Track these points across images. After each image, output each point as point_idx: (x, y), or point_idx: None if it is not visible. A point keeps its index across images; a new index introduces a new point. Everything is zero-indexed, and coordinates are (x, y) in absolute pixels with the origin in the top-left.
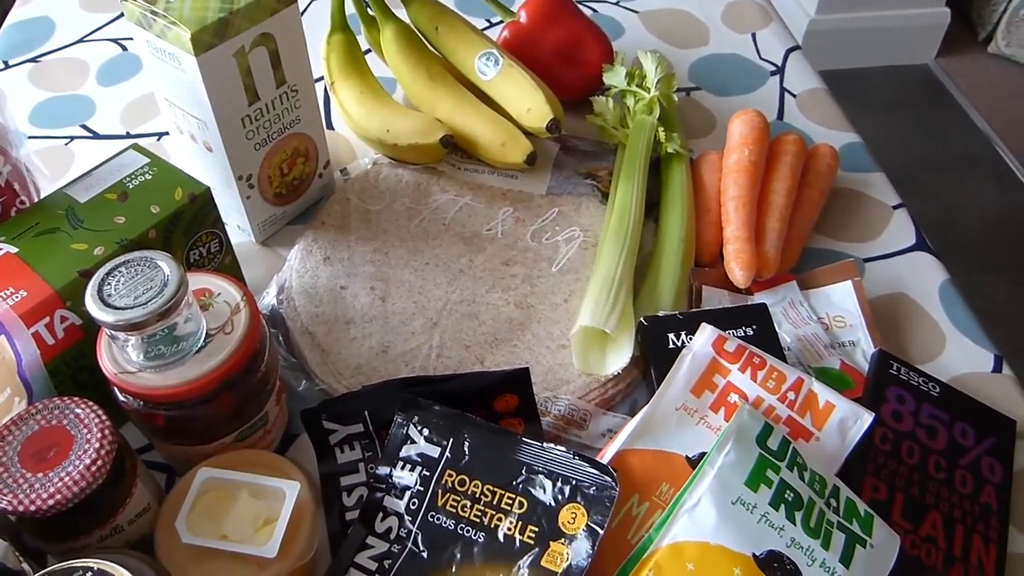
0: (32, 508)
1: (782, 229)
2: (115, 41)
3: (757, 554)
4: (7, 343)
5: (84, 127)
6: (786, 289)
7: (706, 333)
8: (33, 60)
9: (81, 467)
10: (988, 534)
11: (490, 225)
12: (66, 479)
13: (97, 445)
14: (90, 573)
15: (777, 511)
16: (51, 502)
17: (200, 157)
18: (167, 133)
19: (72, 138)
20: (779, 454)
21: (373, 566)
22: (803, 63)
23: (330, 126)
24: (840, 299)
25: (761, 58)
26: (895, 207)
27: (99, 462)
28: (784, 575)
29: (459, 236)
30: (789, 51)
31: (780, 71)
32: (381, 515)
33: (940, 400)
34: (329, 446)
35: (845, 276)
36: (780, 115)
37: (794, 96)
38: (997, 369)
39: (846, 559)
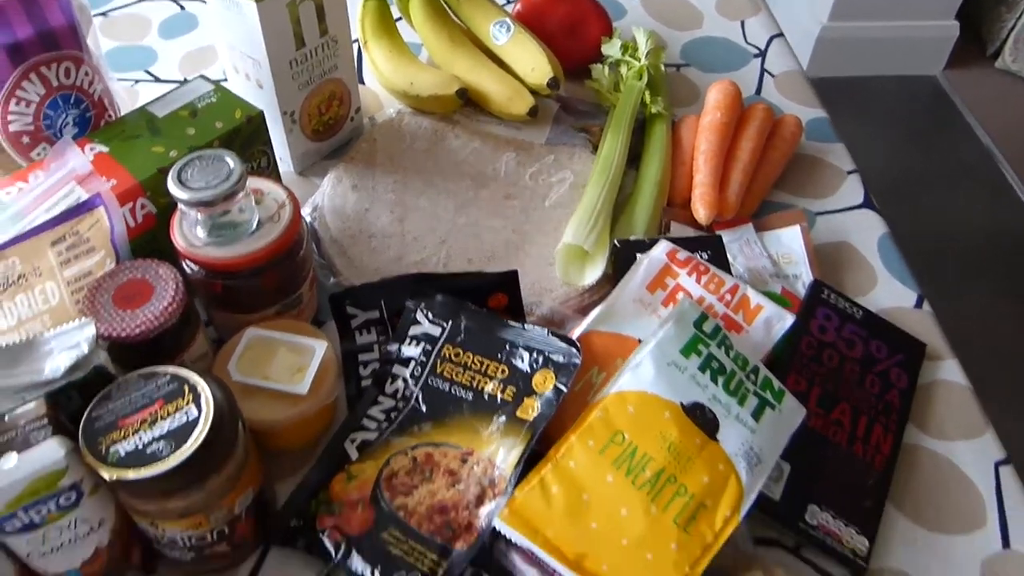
0: (123, 335)
1: (744, 181)
2: (174, 0)
3: (684, 403)
4: (105, 214)
5: (148, 72)
6: (743, 230)
7: (662, 245)
8: (103, 15)
9: (159, 308)
10: (888, 425)
11: (495, 166)
12: (148, 316)
13: (172, 293)
14: (168, 375)
15: (703, 374)
16: (137, 331)
17: (252, 94)
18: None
19: (137, 81)
20: (711, 335)
21: (382, 416)
22: (784, 49)
23: (361, 81)
24: (788, 240)
25: (747, 42)
26: (849, 172)
27: (173, 306)
28: (704, 420)
29: (468, 174)
30: (772, 38)
31: (762, 54)
32: (390, 380)
33: (862, 321)
34: (350, 328)
35: (794, 221)
36: (758, 91)
37: (772, 76)
38: (918, 305)
39: (757, 415)
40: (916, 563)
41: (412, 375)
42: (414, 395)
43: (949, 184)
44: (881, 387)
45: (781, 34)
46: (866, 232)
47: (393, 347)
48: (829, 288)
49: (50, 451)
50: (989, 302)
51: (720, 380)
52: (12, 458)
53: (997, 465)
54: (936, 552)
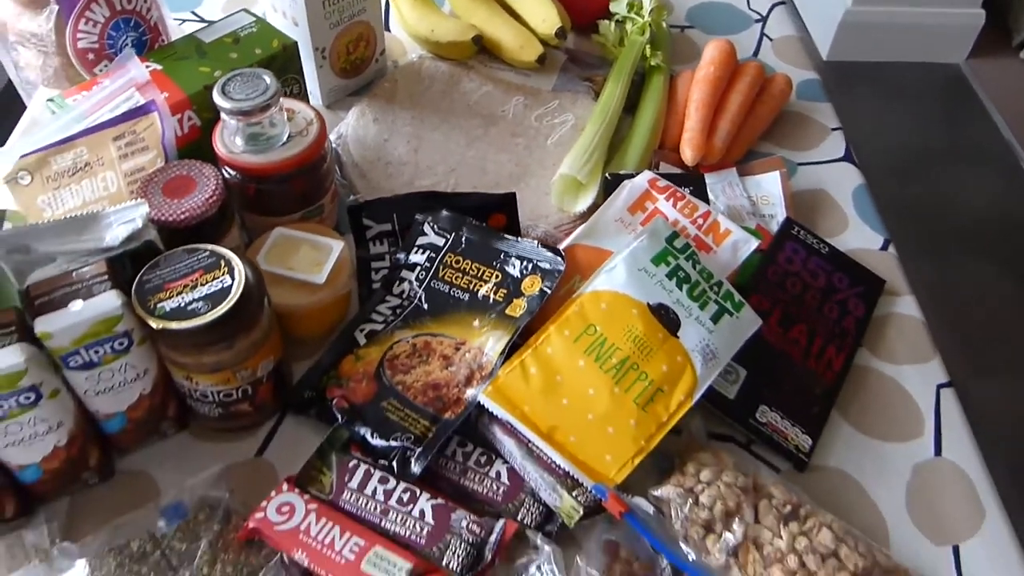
0: (170, 220)
1: (731, 130)
2: None
3: (650, 303)
4: (158, 119)
5: (194, 12)
6: (727, 173)
7: (646, 174)
8: None
9: (202, 200)
10: (841, 347)
11: (504, 108)
12: (192, 205)
13: (213, 188)
14: (208, 251)
15: (670, 281)
16: (182, 217)
17: (288, 30)
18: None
19: (184, 20)
20: (680, 250)
21: (389, 312)
22: (784, 17)
23: (387, 27)
24: (768, 184)
25: (750, 8)
26: (834, 129)
27: (213, 198)
28: (667, 319)
29: (479, 114)
30: (774, 5)
31: (763, 20)
32: (398, 283)
33: (827, 256)
34: (365, 239)
35: (774, 167)
36: (756, 53)
37: (771, 40)
38: (884, 248)
39: (715, 319)
40: (854, 463)
41: (417, 278)
42: (418, 295)
43: (961, 165)
44: (839, 314)
45: (784, 2)
46: (843, 183)
47: (402, 255)
48: (800, 225)
49: (109, 300)
50: (984, 278)
51: (685, 287)
52: (79, 304)
53: (939, 387)
54: (873, 455)
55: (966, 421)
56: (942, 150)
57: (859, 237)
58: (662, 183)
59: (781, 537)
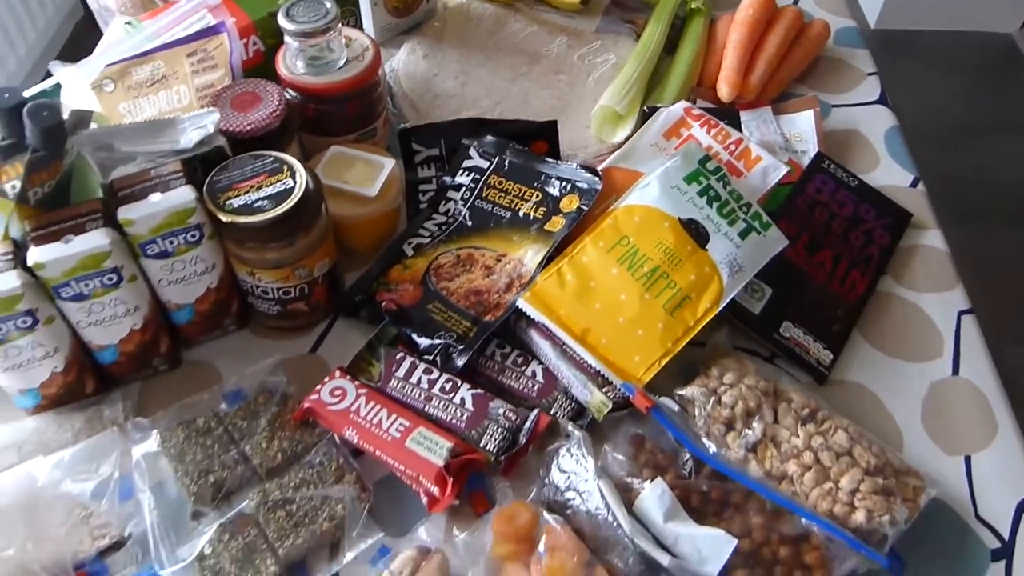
0: (238, 130)
1: (768, 70)
2: None
3: (681, 218)
4: (227, 39)
5: None
6: (762, 111)
7: (681, 103)
8: None
9: (266, 113)
10: (865, 272)
11: (548, 47)
12: (257, 118)
13: (276, 103)
14: (272, 157)
15: (701, 198)
16: (248, 128)
17: None
18: None
19: None
20: (712, 171)
21: (435, 228)
22: None
23: None
24: (801, 122)
25: None
26: (869, 74)
27: (276, 112)
28: (697, 233)
29: (524, 52)
30: None
31: None
32: (444, 202)
33: (856, 189)
34: (414, 163)
35: (808, 107)
36: (796, 1)
37: None
38: (914, 185)
39: (743, 235)
40: (872, 379)
41: (462, 198)
42: (462, 213)
43: (1011, 140)
44: (864, 242)
45: None
46: (876, 124)
47: (448, 177)
48: (831, 160)
49: (184, 193)
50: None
51: (715, 205)
52: (157, 196)
53: (960, 314)
54: (892, 372)
55: (985, 346)
56: (990, 122)
57: (889, 174)
58: (697, 111)
59: (798, 436)
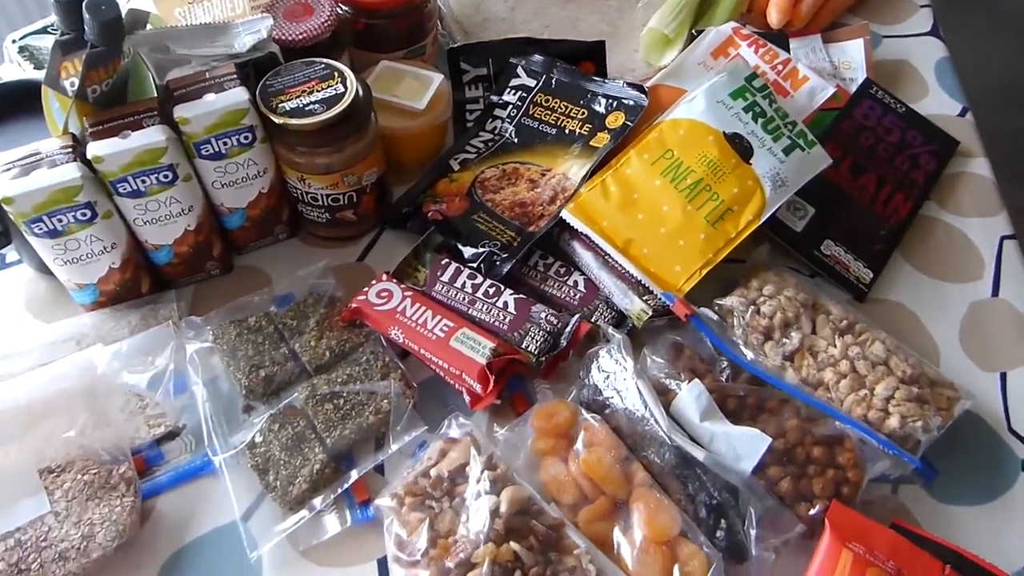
0: (290, 39)
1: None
2: None
3: (726, 132)
4: None
5: None
6: (812, 39)
7: (729, 23)
8: None
9: (318, 23)
10: (909, 196)
11: None
12: (309, 27)
13: (328, 14)
14: (323, 64)
15: (746, 114)
16: (300, 37)
17: None
18: None
19: None
20: (758, 88)
21: (481, 145)
22: None
23: None
24: (851, 51)
25: None
26: (922, 5)
27: (328, 23)
28: (741, 147)
29: None
30: None
31: None
32: (490, 120)
33: (902, 115)
34: (462, 83)
35: (859, 35)
36: None
37: None
38: (962, 115)
39: (787, 152)
40: (913, 298)
41: (508, 116)
42: (508, 131)
43: None
44: (909, 166)
45: None
46: (927, 54)
47: (495, 96)
48: (878, 86)
49: (238, 94)
50: None
51: (760, 121)
52: (212, 96)
53: (1003, 239)
54: (932, 292)
55: None
56: None
57: (938, 104)
58: (745, 31)
59: (835, 346)
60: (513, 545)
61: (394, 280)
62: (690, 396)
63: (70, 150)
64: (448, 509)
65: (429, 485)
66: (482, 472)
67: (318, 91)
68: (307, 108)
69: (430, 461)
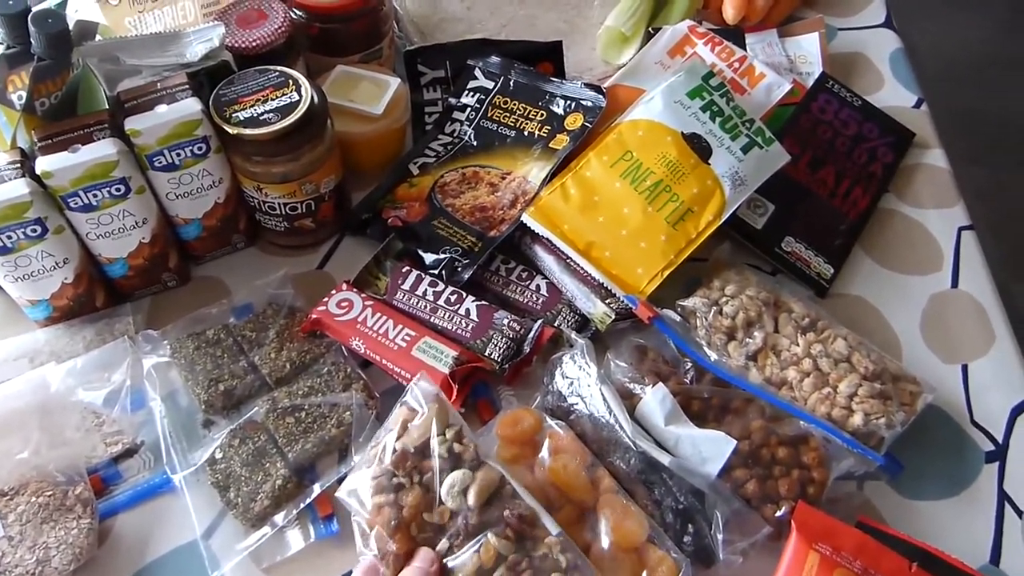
0: (243, 46)
1: None
2: None
3: (684, 132)
4: None
5: None
6: (768, 34)
7: (686, 21)
8: None
9: (271, 30)
10: (868, 189)
11: None
12: (262, 34)
13: (281, 20)
14: (277, 71)
15: (704, 113)
16: (253, 44)
17: None
18: None
19: None
20: (715, 87)
21: (440, 148)
22: None
23: None
24: (807, 44)
25: None
26: None
27: (282, 28)
28: (699, 147)
29: None
30: None
31: None
32: (449, 123)
33: (859, 108)
34: (420, 85)
35: (813, 28)
36: None
37: None
38: (917, 106)
39: (745, 150)
40: (873, 291)
41: (467, 118)
42: (467, 133)
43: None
44: (867, 159)
45: None
46: (881, 46)
47: (453, 99)
48: (835, 80)
49: (190, 104)
50: None
51: (718, 120)
52: (163, 107)
53: (960, 229)
54: (892, 285)
55: (984, 260)
56: (1003, 62)
57: (893, 95)
58: (701, 29)
59: (798, 344)
60: (492, 540)
61: (354, 289)
62: (654, 400)
63: (18, 165)
64: (416, 486)
65: (393, 462)
66: (449, 449)
67: (272, 99)
68: (262, 117)
69: (392, 433)
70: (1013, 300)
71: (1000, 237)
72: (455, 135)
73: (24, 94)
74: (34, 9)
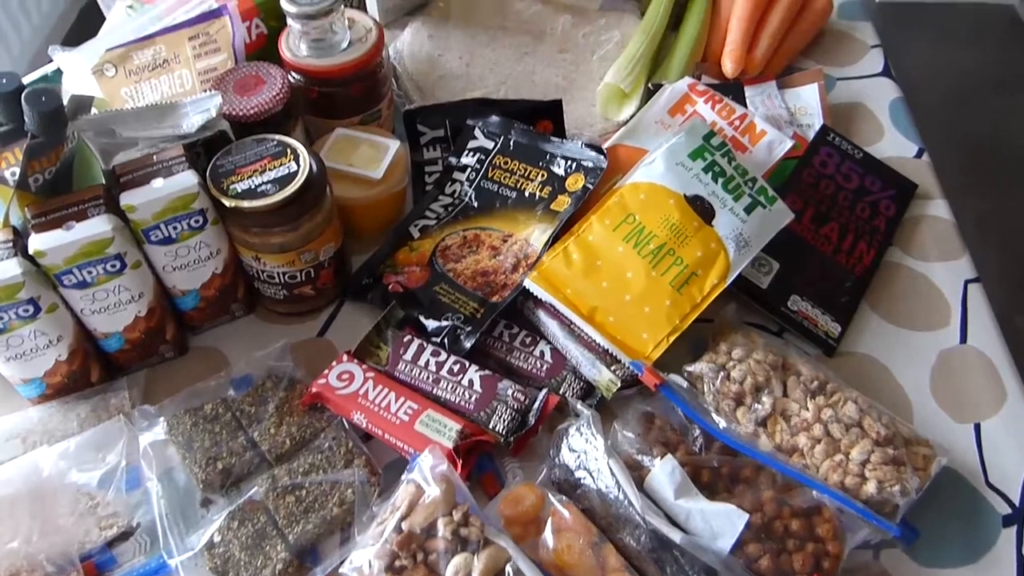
0: (241, 114)
1: (772, 44)
2: None
3: (687, 194)
4: (229, 22)
5: None
6: (767, 86)
7: (685, 79)
8: None
9: (269, 96)
10: (872, 243)
11: (552, 26)
12: (260, 101)
13: (280, 86)
14: (275, 140)
15: (706, 174)
16: (251, 112)
17: None
18: None
19: None
20: (717, 147)
21: (441, 210)
22: None
23: None
24: (806, 95)
25: None
26: (873, 46)
27: (280, 95)
28: (702, 209)
29: (529, 31)
30: None
31: None
32: (449, 183)
33: (861, 161)
34: (419, 144)
35: (813, 80)
36: None
37: None
38: (918, 156)
39: (749, 210)
40: (881, 349)
41: (468, 179)
42: (468, 194)
43: (1012, 98)
44: (870, 213)
45: None
46: (880, 95)
47: (453, 158)
48: (835, 132)
49: (187, 178)
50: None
51: (720, 180)
52: (160, 181)
53: (967, 283)
54: (900, 342)
55: (992, 313)
56: (994, 90)
57: (894, 145)
58: (701, 87)
59: (808, 409)
60: None
61: (355, 360)
62: (663, 473)
63: (11, 244)
64: (422, 565)
65: (397, 543)
66: (455, 531)
67: (270, 170)
68: (259, 189)
69: (398, 512)
70: (1017, 332)
71: (1002, 266)
72: (456, 196)
73: (17, 170)
74: (28, 87)
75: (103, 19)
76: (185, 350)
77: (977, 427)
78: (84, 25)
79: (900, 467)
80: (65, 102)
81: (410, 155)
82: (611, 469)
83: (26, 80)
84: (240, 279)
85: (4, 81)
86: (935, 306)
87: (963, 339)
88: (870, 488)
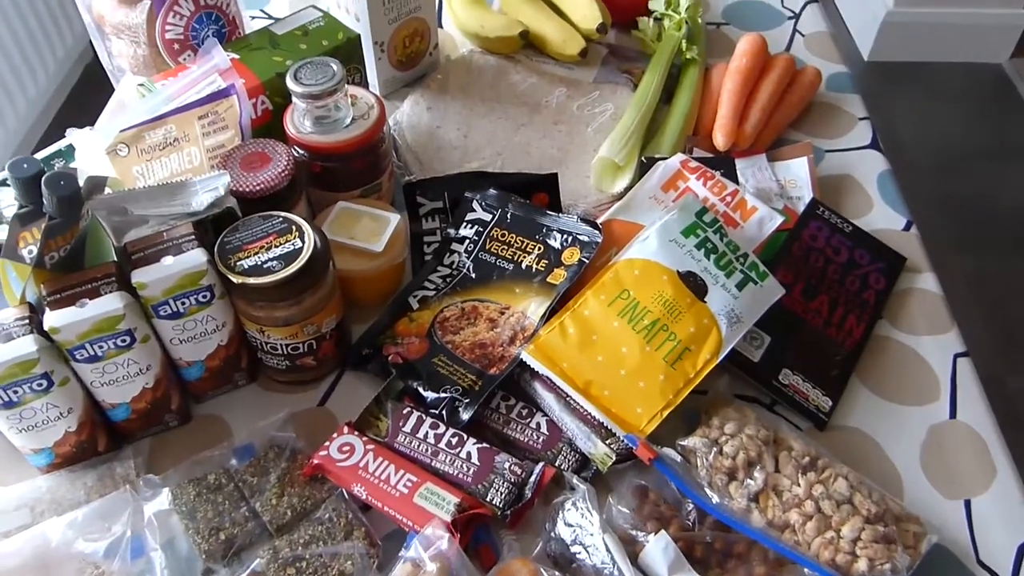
0: (248, 190)
1: (762, 118)
2: None
3: (680, 271)
4: (237, 101)
5: (262, 10)
6: (757, 158)
7: (678, 156)
8: None
9: (275, 173)
10: (862, 317)
11: (548, 98)
12: (266, 177)
13: (285, 163)
14: (280, 217)
15: (699, 251)
16: (258, 188)
17: (350, 25)
18: None
19: (254, 17)
20: (709, 223)
21: (439, 280)
22: (816, 14)
23: (440, 25)
24: (796, 168)
25: (784, 6)
26: (861, 119)
27: (285, 172)
28: (695, 285)
29: (525, 103)
30: (807, 3)
31: (796, 17)
32: (448, 254)
33: (850, 234)
34: (419, 215)
35: (802, 153)
36: (788, 48)
37: (803, 36)
38: (907, 228)
39: (740, 287)
40: (871, 423)
41: (466, 250)
42: (466, 265)
43: (1005, 167)
44: (860, 287)
45: (816, 0)
46: (869, 168)
47: (452, 230)
48: (824, 206)
49: (196, 256)
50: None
51: (712, 257)
52: (170, 259)
53: (956, 356)
54: (890, 416)
55: (981, 388)
56: (984, 150)
57: (883, 218)
58: (693, 164)
59: (799, 485)
60: None
61: (356, 432)
62: (657, 549)
63: (26, 321)
64: None
65: None
66: None
67: (276, 247)
68: (265, 266)
69: None
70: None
71: (992, 327)
72: (454, 267)
73: (35, 249)
74: (47, 171)
75: (108, 82)
76: (189, 418)
77: (967, 504)
78: (88, 88)
79: (891, 545)
80: (81, 183)
81: (409, 225)
82: (607, 545)
83: (40, 155)
84: (244, 350)
85: (25, 166)
86: (924, 380)
87: (952, 414)
88: (861, 566)
